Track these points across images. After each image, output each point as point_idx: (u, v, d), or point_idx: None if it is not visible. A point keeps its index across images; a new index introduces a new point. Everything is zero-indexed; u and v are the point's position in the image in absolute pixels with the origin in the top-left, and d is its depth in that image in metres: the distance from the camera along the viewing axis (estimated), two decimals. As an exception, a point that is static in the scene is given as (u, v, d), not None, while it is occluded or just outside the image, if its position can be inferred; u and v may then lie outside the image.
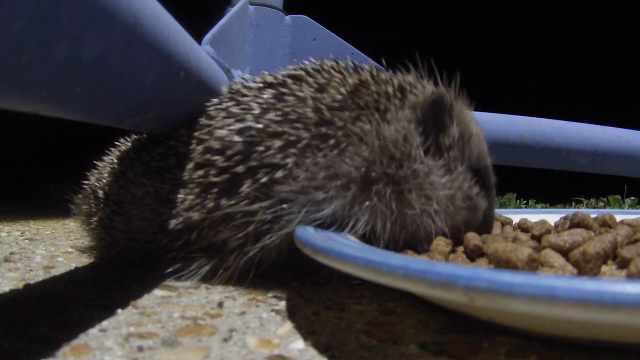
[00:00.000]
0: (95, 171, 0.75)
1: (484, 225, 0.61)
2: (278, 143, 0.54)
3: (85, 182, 0.75)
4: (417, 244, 0.56)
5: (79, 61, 0.38)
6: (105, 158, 0.75)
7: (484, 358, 0.37)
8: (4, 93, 0.35)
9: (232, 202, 0.55)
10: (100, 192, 0.70)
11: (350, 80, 0.58)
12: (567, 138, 1.49)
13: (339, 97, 0.56)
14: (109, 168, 0.71)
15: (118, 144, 0.75)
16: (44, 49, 0.34)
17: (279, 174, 0.53)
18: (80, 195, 0.76)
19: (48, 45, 0.34)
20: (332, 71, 0.60)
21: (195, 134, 0.60)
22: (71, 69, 0.38)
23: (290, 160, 0.53)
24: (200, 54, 0.67)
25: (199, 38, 0.90)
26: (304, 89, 0.57)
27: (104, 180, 0.70)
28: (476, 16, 2.93)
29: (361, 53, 1.29)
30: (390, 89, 0.58)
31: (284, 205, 0.53)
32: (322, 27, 1.42)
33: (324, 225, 0.53)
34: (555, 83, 2.94)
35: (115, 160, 0.71)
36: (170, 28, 0.53)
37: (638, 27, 2.66)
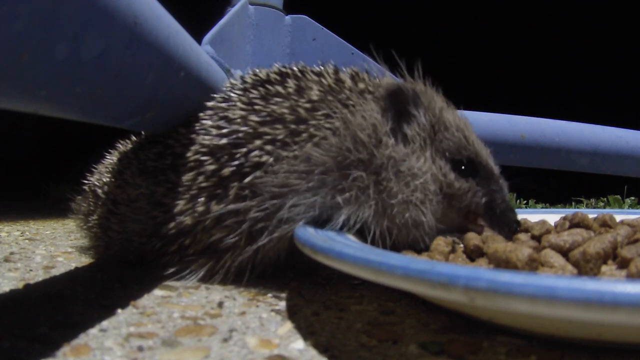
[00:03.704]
0: (95, 170, 0.75)
1: (491, 216, 0.61)
2: (259, 142, 0.56)
3: (86, 181, 0.76)
4: (413, 242, 0.56)
5: (79, 61, 0.38)
6: (106, 158, 0.76)
7: (484, 358, 0.37)
8: (4, 93, 0.35)
9: (222, 205, 0.56)
10: (100, 191, 0.70)
11: (325, 81, 0.61)
12: (567, 138, 1.49)
13: (315, 97, 0.58)
14: (109, 167, 0.72)
15: (119, 144, 0.75)
16: (44, 49, 0.34)
17: (261, 171, 0.55)
18: (80, 195, 0.77)
19: (48, 45, 0.34)
20: (312, 74, 0.63)
21: (191, 134, 0.61)
22: (71, 69, 0.38)
23: (270, 157, 0.55)
24: (200, 54, 0.67)
25: (199, 38, 0.90)
26: (286, 90, 0.60)
27: (104, 180, 0.71)
28: (476, 16, 2.93)
29: (361, 53, 1.29)
30: (362, 86, 0.61)
31: (274, 201, 0.54)
32: (322, 27, 1.42)
33: (315, 220, 0.54)
34: (555, 83, 2.94)
35: (115, 160, 0.71)
36: (170, 28, 0.53)
37: (638, 27, 2.66)
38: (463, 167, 0.61)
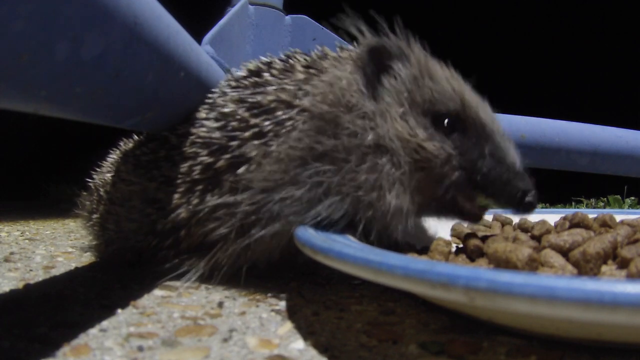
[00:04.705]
0: (99, 169, 0.76)
1: (480, 182, 0.52)
2: (247, 135, 0.56)
3: (90, 179, 0.76)
4: (394, 229, 0.52)
5: (79, 61, 0.38)
6: (109, 156, 0.76)
7: (484, 358, 0.37)
8: (4, 93, 0.35)
9: (216, 196, 0.56)
10: (102, 190, 0.71)
11: (310, 58, 0.60)
12: (567, 138, 1.49)
13: (299, 76, 0.57)
14: (109, 166, 0.73)
15: (121, 143, 0.76)
16: (44, 49, 0.34)
17: (252, 165, 0.54)
18: (85, 193, 0.77)
19: (48, 45, 0.34)
20: (299, 56, 0.62)
21: (187, 126, 0.62)
22: (71, 69, 0.38)
23: (258, 151, 0.54)
24: (200, 54, 0.67)
25: (199, 38, 0.90)
26: (273, 77, 0.59)
27: (105, 179, 0.71)
28: (476, 16, 2.93)
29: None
30: (345, 54, 0.58)
31: (263, 195, 0.53)
32: (322, 27, 1.42)
33: (303, 213, 0.53)
34: (555, 83, 2.94)
35: (116, 158, 0.72)
36: (170, 28, 0.53)
37: (638, 27, 2.66)
38: (445, 123, 0.52)
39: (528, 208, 0.50)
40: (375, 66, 0.55)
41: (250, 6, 1.39)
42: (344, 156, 0.52)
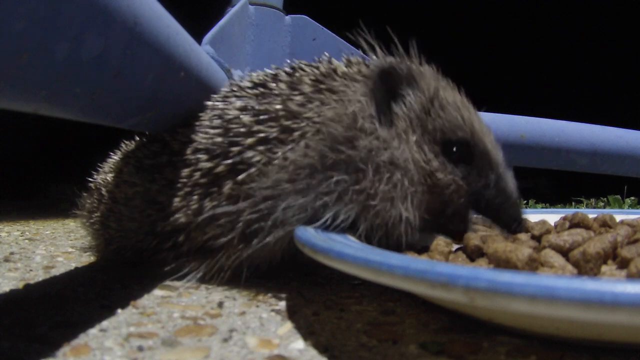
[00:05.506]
0: (101, 169, 0.76)
1: (485, 207, 0.56)
2: (251, 141, 0.55)
3: (91, 179, 0.76)
4: (398, 239, 0.54)
5: (79, 61, 0.38)
6: (110, 157, 0.76)
7: (484, 358, 0.37)
8: (4, 93, 0.35)
9: (215, 203, 0.55)
10: (103, 190, 0.71)
11: (318, 71, 0.59)
12: (567, 138, 1.49)
13: (307, 89, 0.57)
14: (111, 167, 0.73)
15: (123, 144, 0.76)
16: (44, 49, 0.34)
17: (254, 171, 0.54)
18: (85, 193, 0.77)
19: (48, 45, 0.34)
20: (305, 67, 0.61)
21: (188, 132, 0.61)
22: (71, 69, 0.38)
23: (262, 157, 0.54)
24: (200, 54, 0.67)
25: (199, 38, 0.90)
26: (279, 87, 0.59)
27: (107, 178, 0.72)
28: (476, 16, 2.93)
29: (361, 53, 1.29)
30: (355, 69, 0.58)
31: (267, 203, 0.53)
32: (322, 27, 1.42)
33: (311, 220, 0.53)
34: (555, 83, 2.94)
35: (117, 158, 0.72)
36: (170, 28, 0.53)
37: (638, 27, 2.66)
38: (454, 151, 0.55)
39: (515, 233, 0.55)
40: (386, 90, 0.56)
41: (250, 6, 1.39)
42: (360, 166, 0.52)
